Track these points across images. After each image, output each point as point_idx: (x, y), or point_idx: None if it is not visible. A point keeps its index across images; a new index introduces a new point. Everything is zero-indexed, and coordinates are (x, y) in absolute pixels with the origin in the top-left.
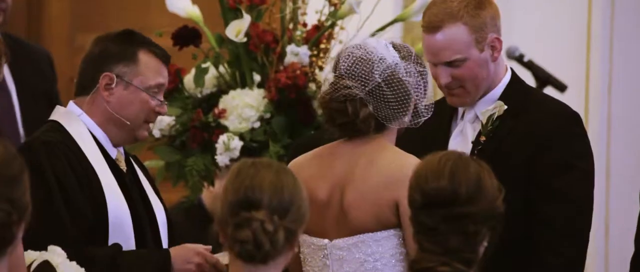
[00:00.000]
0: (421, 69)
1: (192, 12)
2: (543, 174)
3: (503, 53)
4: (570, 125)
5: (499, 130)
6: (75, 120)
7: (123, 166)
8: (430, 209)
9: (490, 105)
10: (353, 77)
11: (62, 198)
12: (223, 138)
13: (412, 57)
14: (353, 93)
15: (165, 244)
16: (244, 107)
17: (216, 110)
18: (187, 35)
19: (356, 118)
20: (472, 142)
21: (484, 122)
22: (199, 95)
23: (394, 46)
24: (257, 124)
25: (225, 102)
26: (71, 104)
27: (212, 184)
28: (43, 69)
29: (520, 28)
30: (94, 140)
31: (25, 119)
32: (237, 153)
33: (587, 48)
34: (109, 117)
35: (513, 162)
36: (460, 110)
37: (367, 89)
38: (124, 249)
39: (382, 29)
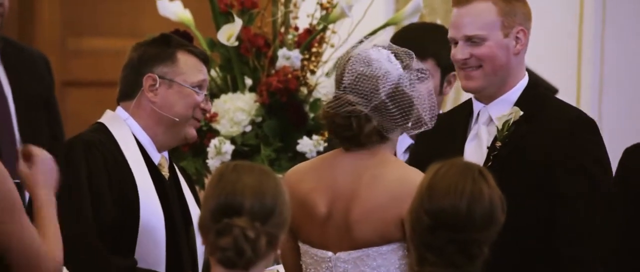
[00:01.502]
0: (422, 75)
1: (183, 16)
2: (560, 181)
3: (522, 55)
4: (586, 132)
5: (513, 136)
6: (121, 124)
7: (165, 172)
8: (437, 230)
9: (506, 110)
10: (357, 93)
11: (90, 195)
12: (214, 142)
13: (413, 64)
14: (357, 109)
15: (200, 255)
16: (236, 111)
17: (208, 114)
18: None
19: (360, 133)
20: (488, 148)
21: (500, 127)
22: None
23: (396, 55)
24: (249, 128)
25: (216, 106)
26: (119, 108)
27: (203, 188)
28: (40, 72)
29: None
30: (137, 144)
31: (21, 123)
32: (228, 157)
33: (578, 52)
34: (157, 118)
35: (528, 169)
36: (475, 112)
37: (371, 105)
38: (153, 254)
39: (374, 32)
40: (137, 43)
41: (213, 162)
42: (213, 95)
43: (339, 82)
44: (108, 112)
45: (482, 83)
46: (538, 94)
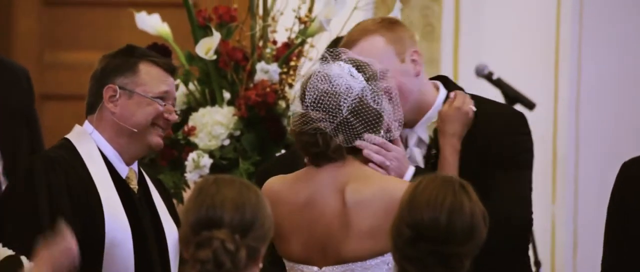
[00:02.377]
0: (387, 85)
1: (161, 29)
2: (489, 171)
3: (422, 75)
4: (517, 126)
5: None
6: (87, 139)
7: (134, 185)
8: (417, 243)
9: (433, 120)
10: (320, 110)
11: (49, 213)
12: (193, 156)
13: (377, 75)
14: (322, 126)
15: (173, 267)
16: (214, 124)
17: (186, 128)
18: (156, 52)
19: (327, 149)
20: (424, 156)
21: (432, 135)
22: None
23: (358, 67)
24: (227, 142)
25: (195, 119)
26: (85, 122)
27: (181, 201)
28: (21, 86)
29: (489, 46)
30: (104, 158)
31: (2, 136)
32: (206, 170)
33: (555, 66)
34: (118, 129)
35: (464, 169)
36: (403, 138)
37: (336, 121)
38: (122, 269)
39: None
40: (103, 55)
41: (191, 176)
42: (191, 109)
43: (302, 99)
44: (76, 127)
45: None
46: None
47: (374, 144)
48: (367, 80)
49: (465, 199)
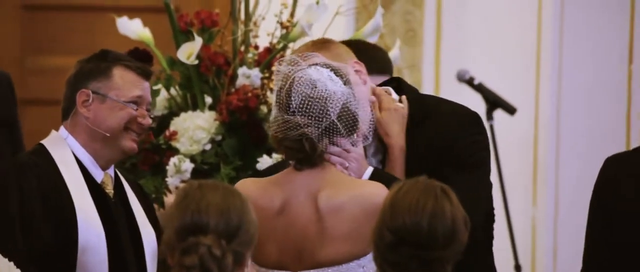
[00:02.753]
0: (360, 78)
1: (143, 34)
2: (446, 171)
3: (369, 83)
4: (471, 124)
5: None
6: (61, 144)
7: (110, 190)
8: (399, 247)
9: None
10: (307, 115)
11: (21, 220)
12: (174, 160)
13: (351, 80)
14: (308, 131)
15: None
16: (195, 129)
17: (167, 133)
18: (138, 57)
19: (313, 154)
20: (380, 161)
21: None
22: None
23: (335, 72)
24: (209, 146)
25: (176, 124)
26: (61, 128)
27: (162, 206)
28: (3, 92)
29: (470, 51)
30: (79, 164)
31: None
32: (188, 175)
33: (536, 71)
34: (91, 134)
35: (419, 171)
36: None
37: (322, 126)
38: None
39: None
40: (78, 60)
41: (172, 181)
42: (173, 113)
43: (286, 105)
44: (52, 133)
45: None
46: (414, 97)
47: (337, 155)
48: (345, 84)
49: (446, 203)
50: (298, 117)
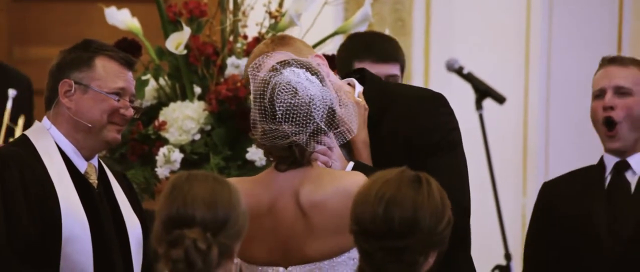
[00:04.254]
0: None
1: (131, 24)
2: (422, 154)
3: (332, 75)
4: (434, 105)
5: (372, 133)
6: (44, 135)
7: (94, 180)
8: (366, 237)
9: None
10: (293, 123)
11: (3, 212)
12: (163, 150)
13: (324, 73)
14: (297, 139)
15: (136, 262)
16: (185, 119)
17: (156, 123)
18: (126, 47)
19: (302, 158)
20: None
21: None
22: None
23: (310, 71)
24: (198, 136)
25: (165, 114)
26: (44, 118)
27: (152, 196)
28: (26, 96)
29: (460, 40)
30: (62, 154)
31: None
32: (177, 165)
33: (525, 60)
34: (74, 124)
35: (389, 152)
36: None
37: (308, 131)
38: (81, 264)
39: (323, 41)
40: (60, 50)
41: (162, 171)
42: (162, 103)
43: (271, 114)
44: (35, 123)
45: None
46: (376, 86)
47: (322, 153)
48: (321, 81)
49: (409, 191)
50: (284, 126)
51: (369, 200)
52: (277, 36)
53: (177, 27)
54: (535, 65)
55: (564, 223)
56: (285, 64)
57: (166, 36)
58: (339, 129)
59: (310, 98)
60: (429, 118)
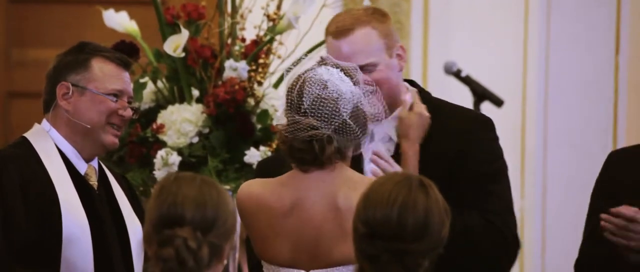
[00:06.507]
0: (370, 88)
1: (129, 27)
2: (470, 178)
3: (402, 71)
4: (486, 130)
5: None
6: (44, 137)
7: (94, 182)
8: (372, 239)
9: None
10: (318, 116)
11: (2, 215)
12: (161, 153)
13: (359, 77)
14: (320, 133)
15: (137, 264)
16: (183, 122)
17: (154, 125)
18: (124, 50)
19: (322, 155)
20: (392, 155)
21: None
22: None
23: (345, 72)
24: (196, 139)
25: (163, 117)
26: (43, 120)
27: None
28: None
29: (458, 43)
30: (62, 156)
31: None
32: (175, 168)
33: (523, 64)
34: (72, 127)
35: (433, 170)
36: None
37: (333, 126)
38: (81, 265)
39: (321, 44)
40: (57, 54)
41: (160, 174)
42: (160, 106)
43: (297, 106)
44: (35, 125)
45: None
46: (429, 98)
47: (383, 159)
48: (354, 84)
49: (420, 196)
50: (310, 117)
51: (381, 203)
52: (378, 10)
53: (175, 29)
54: (533, 67)
55: (629, 193)
56: (321, 62)
57: (164, 39)
58: (368, 131)
59: (339, 94)
60: (484, 143)
